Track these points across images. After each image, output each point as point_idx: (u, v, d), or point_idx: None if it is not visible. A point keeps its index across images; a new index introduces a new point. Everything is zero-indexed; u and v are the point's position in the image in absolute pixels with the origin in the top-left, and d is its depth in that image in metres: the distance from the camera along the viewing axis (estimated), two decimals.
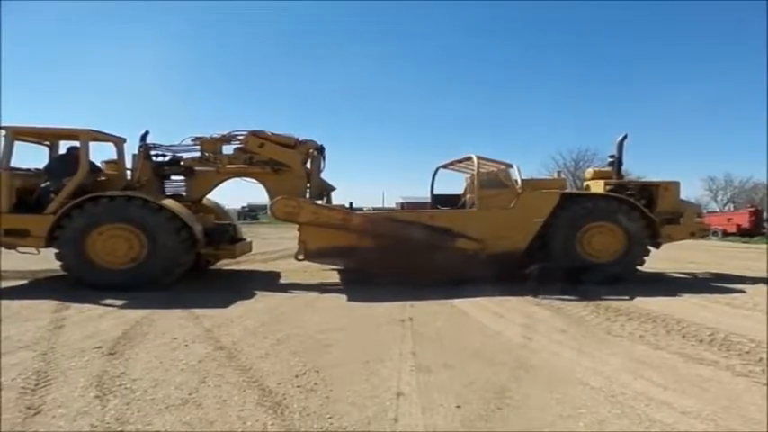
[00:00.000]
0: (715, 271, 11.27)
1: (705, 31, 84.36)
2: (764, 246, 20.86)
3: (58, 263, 8.07)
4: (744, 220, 27.29)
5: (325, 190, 9.98)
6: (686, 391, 3.76)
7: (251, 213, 49.28)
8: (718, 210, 49.70)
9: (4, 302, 6.77)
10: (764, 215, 29.39)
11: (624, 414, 3.30)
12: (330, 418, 3.22)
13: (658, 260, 10.75)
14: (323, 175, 9.73)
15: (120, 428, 3.05)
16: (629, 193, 9.69)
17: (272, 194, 9.04)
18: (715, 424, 3.17)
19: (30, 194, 8.47)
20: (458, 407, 3.41)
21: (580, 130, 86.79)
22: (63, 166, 8.59)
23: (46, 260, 8.91)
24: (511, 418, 3.24)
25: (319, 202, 9.44)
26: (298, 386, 3.79)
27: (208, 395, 3.60)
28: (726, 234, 26.95)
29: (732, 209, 46.14)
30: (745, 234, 26.07)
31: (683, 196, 10.23)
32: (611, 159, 10.81)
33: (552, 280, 7.91)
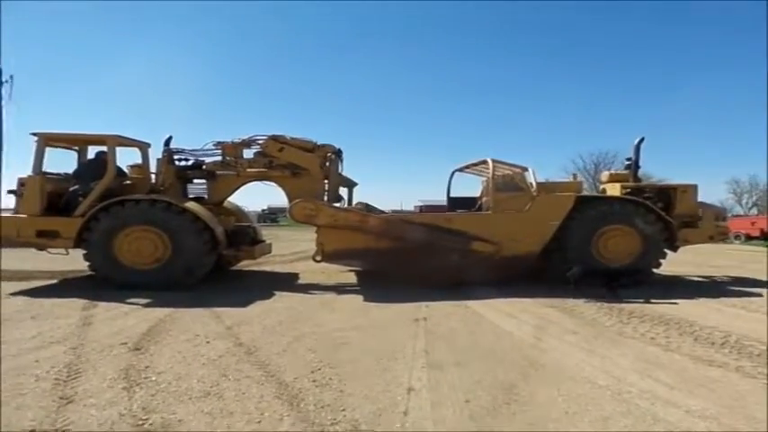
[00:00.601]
0: (734, 275, 11.13)
1: (734, 31, 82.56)
2: None
3: (86, 263, 8.39)
4: (767, 224, 26.72)
5: (348, 185, 10.20)
6: (693, 391, 3.82)
7: (271, 216, 49.80)
8: (742, 213, 48.57)
9: (38, 301, 7.11)
10: None
11: (629, 412, 3.39)
12: (343, 410, 3.38)
13: (678, 264, 10.70)
14: (344, 173, 9.99)
15: (146, 417, 3.25)
16: (646, 195, 9.68)
17: (290, 197, 9.25)
18: (718, 422, 3.24)
19: (59, 198, 8.83)
20: (466, 402, 3.54)
21: (601, 133, 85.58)
22: (91, 170, 8.94)
23: (74, 261, 9.26)
24: (517, 413, 3.36)
25: (343, 196, 9.70)
26: (313, 381, 3.96)
27: (228, 388, 3.79)
28: (749, 238, 26.43)
29: (756, 213, 45.14)
30: None
31: (706, 199, 10.16)
32: (627, 162, 10.81)
33: (592, 284, 7.93)
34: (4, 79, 24.87)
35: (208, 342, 5.08)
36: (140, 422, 3.17)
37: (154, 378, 4.00)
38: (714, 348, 5.04)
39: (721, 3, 78.30)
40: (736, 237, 26.30)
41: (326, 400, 3.55)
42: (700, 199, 10.04)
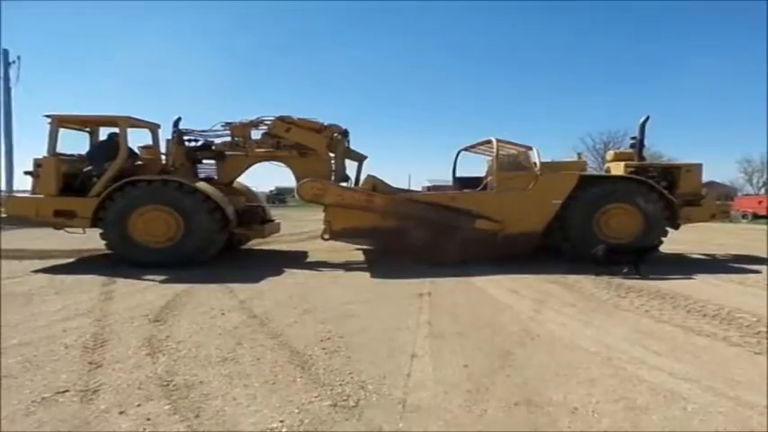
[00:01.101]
0: (737, 253, 11.30)
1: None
2: None
3: (102, 242, 8.70)
4: None
5: (358, 159, 10.44)
6: (679, 357, 4.06)
7: (279, 197, 49.99)
8: (753, 192, 48.34)
9: (59, 277, 7.44)
10: None
11: (616, 374, 3.65)
12: (351, 373, 3.65)
13: (682, 242, 10.88)
14: (354, 147, 10.27)
15: (170, 379, 3.53)
16: (650, 174, 9.82)
17: (298, 177, 9.48)
18: (698, 384, 3.48)
19: (74, 178, 9.11)
20: (465, 366, 3.81)
21: (613, 112, 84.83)
22: (104, 151, 9.19)
23: (87, 240, 9.57)
24: (511, 375, 3.62)
25: (350, 176, 10.03)
26: (323, 348, 4.23)
27: (244, 354, 4.08)
28: (756, 217, 26.46)
29: (765, 192, 44.92)
30: None
31: (717, 179, 10.32)
32: (632, 141, 10.93)
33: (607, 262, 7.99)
34: (11, 59, 25.16)
35: (223, 314, 5.37)
36: (165, 383, 3.45)
37: (174, 346, 4.29)
38: (705, 320, 5.27)
39: None
40: (744, 216, 26.35)
41: (335, 365, 3.82)
42: (711, 178, 10.20)
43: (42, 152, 8.85)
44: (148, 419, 2.92)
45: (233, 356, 4.03)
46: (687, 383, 3.49)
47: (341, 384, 3.45)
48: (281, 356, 4.03)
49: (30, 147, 31.78)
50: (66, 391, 3.33)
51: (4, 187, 24.63)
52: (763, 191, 50.90)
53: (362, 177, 10.28)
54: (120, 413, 2.99)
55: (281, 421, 2.89)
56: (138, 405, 3.10)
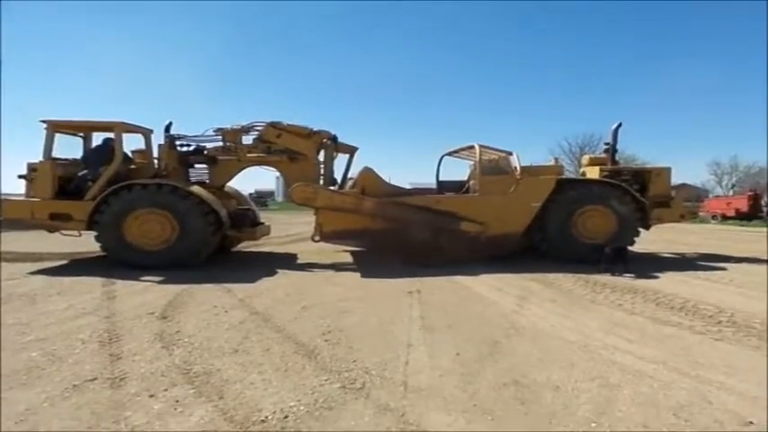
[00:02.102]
0: (704, 252, 11.96)
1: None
2: (760, 229, 21.48)
3: (98, 245, 8.88)
4: (742, 204, 27.89)
5: (349, 152, 10.85)
6: (648, 343, 4.52)
7: (260, 200, 49.95)
8: (722, 194, 50.03)
9: (57, 279, 7.63)
10: (765, 200, 29.88)
11: (592, 359, 4.08)
12: (355, 361, 4.01)
13: (654, 242, 11.47)
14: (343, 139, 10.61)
15: (189, 368, 3.85)
16: (623, 178, 10.39)
17: (288, 181, 9.81)
18: (664, 365, 3.92)
19: (68, 182, 9.28)
20: (457, 354, 4.20)
21: (588, 117, 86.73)
22: (99, 155, 9.38)
23: (78, 243, 9.73)
24: (499, 361, 4.02)
25: (336, 179, 10.39)
26: (326, 340, 4.58)
27: (253, 346, 4.40)
28: (725, 218, 27.57)
29: (732, 193, 46.55)
30: (744, 218, 26.66)
31: (688, 181, 10.95)
32: (606, 146, 11.51)
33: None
34: None
35: (226, 312, 5.67)
36: (185, 371, 3.76)
37: (186, 339, 4.59)
38: (672, 312, 5.76)
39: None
40: (713, 217, 27.40)
41: (339, 354, 4.18)
42: (683, 180, 10.83)
43: (25, 155, 9.04)
44: (177, 401, 3.24)
45: (243, 348, 4.35)
46: (654, 365, 3.93)
47: (347, 370, 3.80)
48: (288, 348, 4.37)
49: (10, 149, 31.34)
50: (95, 379, 3.62)
51: None
52: (731, 192, 52.72)
53: (353, 169, 10.64)
54: (151, 396, 3.30)
55: (299, 400, 3.24)
56: (165, 390, 3.41)
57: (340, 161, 10.63)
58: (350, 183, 10.37)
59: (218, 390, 3.41)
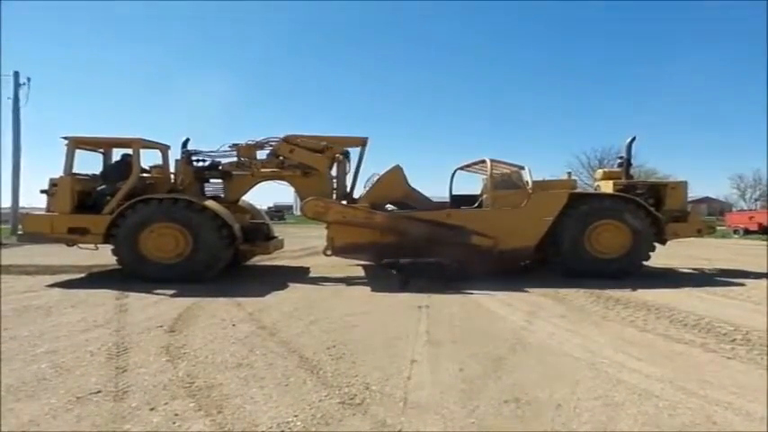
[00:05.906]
0: (724, 267, 11.68)
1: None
2: None
3: (114, 258, 9.05)
4: (764, 218, 27.17)
5: (361, 143, 10.66)
6: (657, 361, 4.42)
7: (277, 214, 50.50)
8: (746, 207, 48.95)
9: (73, 291, 7.79)
10: None
11: (597, 376, 4.01)
12: (356, 376, 4.00)
13: (672, 257, 11.25)
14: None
15: (191, 381, 3.88)
16: (638, 192, 10.25)
17: (301, 195, 9.91)
18: (671, 384, 3.84)
19: (87, 197, 9.51)
20: (461, 370, 4.16)
21: (610, 130, 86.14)
22: (117, 171, 9.61)
23: (95, 256, 9.93)
24: (502, 377, 3.98)
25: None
26: (330, 355, 4.59)
27: (257, 360, 4.42)
28: (747, 232, 26.91)
29: (756, 208, 45.51)
30: (767, 232, 25.98)
31: (711, 194, 10.80)
32: (620, 160, 11.39)
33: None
34: (21, 81, 25.73)
35: (234, 325, 5.72)
36: (187, 384, 3.80)
37: (192, 353, 4.64)
38: (686, 329, 5.64)
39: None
40: (735, 231, 26.78)
41: (342, 369, 4.18)
42: (707, 194, 10.69)
43: (47, 171, 9.31)
44: (176, 414, 3.27)
45: (247, 362, 4.37)
46: (661, 384, 3.85)
47: (347, 386, 3.80)
48: (292, 362, 4.38)
49: (32, 165, 32.32)
50: (99, 391, 3.67)
51: (9, 204, 25.04)
52: (755, 205, 51.54)
53: (365, 158, 10.63)
54: (151, 410, 3.34)
55: (296, 416, 3.24)
56: (166, 403, 3.45)
57: (352, 154, 10.62)
58: (374, 177, 10.41)
59: (218, 404, 3.44)
